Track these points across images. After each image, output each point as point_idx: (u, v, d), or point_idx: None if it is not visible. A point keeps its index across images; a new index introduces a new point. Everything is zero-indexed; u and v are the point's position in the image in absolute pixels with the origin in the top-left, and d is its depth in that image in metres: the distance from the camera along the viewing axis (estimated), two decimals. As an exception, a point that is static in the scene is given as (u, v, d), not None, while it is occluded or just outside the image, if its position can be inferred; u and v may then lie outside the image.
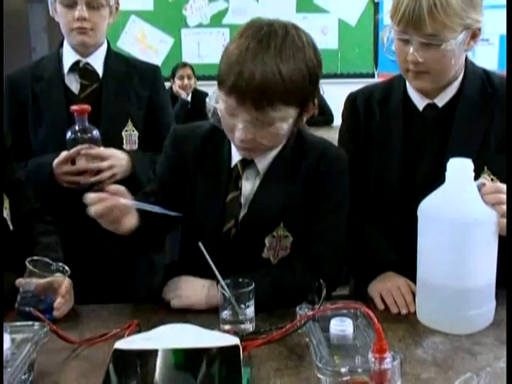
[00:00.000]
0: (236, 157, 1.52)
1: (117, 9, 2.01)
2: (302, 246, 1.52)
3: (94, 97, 1.99)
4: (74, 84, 2.01)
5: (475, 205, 1.32)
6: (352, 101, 1.72)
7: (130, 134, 2.01)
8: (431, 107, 1.59)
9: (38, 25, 5.58)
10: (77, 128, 1.80)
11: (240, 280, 1.36)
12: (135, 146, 2.02)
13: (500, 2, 5.87)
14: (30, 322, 1.20)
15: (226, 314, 1.34)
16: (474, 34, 1.48)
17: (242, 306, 1.33)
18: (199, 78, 5.49)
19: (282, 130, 1.39)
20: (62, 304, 1.43)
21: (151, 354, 1.08)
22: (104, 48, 2.05)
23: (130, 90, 2.03)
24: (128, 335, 1.27)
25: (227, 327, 1.34)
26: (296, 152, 1.53)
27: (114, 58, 2.08)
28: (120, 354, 1.09)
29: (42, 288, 1.42)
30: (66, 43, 2.03)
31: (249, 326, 1.35)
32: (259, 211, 1.51)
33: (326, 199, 1.52)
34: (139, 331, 1.31)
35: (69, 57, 2.02)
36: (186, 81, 5.20)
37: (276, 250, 1.52)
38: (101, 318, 1.46)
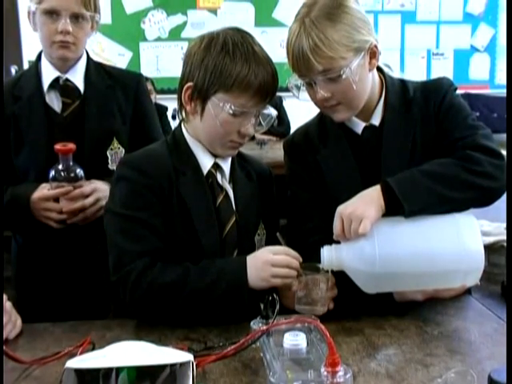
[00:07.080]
0: (206, 164, 1.55)
1: (97, 23, 1.91)
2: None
3: (77, 115, 1.92)
4: (55, 102, 1.92)
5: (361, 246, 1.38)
6: (290, 143, 1.70)
7: (116, 153, 1.93)
8: (369, 128, 1.58)
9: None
10: (60, 167, 1.75)
11: (317, 265, 1.45)
12: None
13: (454, 18, 6.02)
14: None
15: (301, 294, 1.45)
16: (373, 53, 1.49)
17: (316, 287, 1.45)
18: (158, 92, 5.48)
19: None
20: None
21: (103, 372, 1.06)
22: (84, 60, 1.97)
23: (113, 105, 1.95)
24: (81, 353, 1.25)
25: (302, 307, 1.45)
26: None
27: (95, 70, 1.99)
28: (71, 373, 1.07)
29: None
30: (44, 57, 1.94)
31: (323, 309, 1.45)
32: (247, 213, 1.58)
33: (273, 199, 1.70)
34: (93, 349, 1.29)
35: (48, 73, 1.93)
36: None
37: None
38: (54, 337, 1.43)
